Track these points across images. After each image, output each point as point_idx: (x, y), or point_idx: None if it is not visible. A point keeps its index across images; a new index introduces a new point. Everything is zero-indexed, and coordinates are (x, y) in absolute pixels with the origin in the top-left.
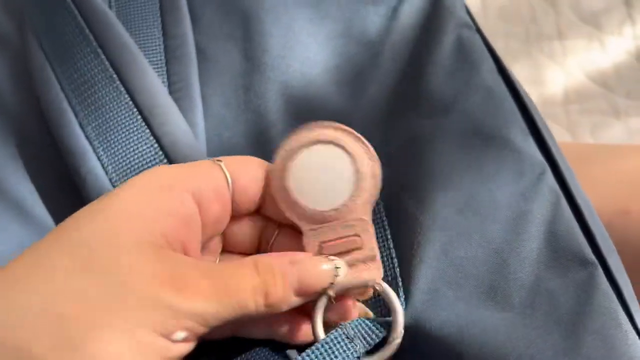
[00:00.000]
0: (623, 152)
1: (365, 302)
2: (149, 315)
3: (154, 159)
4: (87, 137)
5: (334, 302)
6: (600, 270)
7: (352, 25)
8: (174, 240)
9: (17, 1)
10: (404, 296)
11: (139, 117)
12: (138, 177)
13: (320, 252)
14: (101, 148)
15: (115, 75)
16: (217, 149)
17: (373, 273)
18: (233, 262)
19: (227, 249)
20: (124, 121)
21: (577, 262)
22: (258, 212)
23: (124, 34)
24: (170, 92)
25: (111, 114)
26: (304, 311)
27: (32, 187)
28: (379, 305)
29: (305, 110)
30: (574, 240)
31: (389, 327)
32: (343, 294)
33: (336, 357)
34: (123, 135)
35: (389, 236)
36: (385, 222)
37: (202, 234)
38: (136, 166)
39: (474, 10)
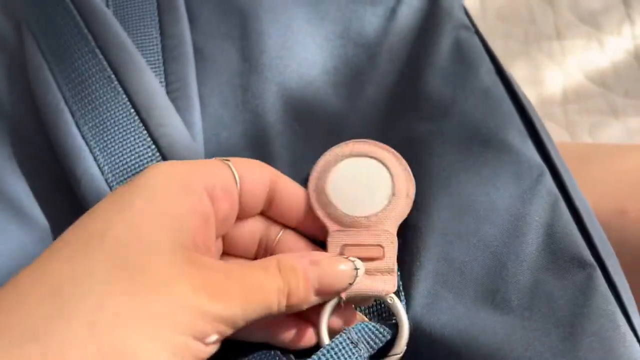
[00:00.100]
0: (621, 152)
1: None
2: (184, 319)
3: (151, 160)
4: (83, 137)
5: (342, 306)
6: (598, 272)
7: (350, 27)
8: (198, 240)
9: (15, 0)
10: (404, 300)
11: (137, 117)
12: (151, 171)
13: (341, 253)
14: (97, 148)
15: (113, 75)
16: (215, 149)
17: (388, 285)
18: (257, 263)
19: (226, 251)
20: (121, 122)
21: (576, 264)
22: (260, 215)
23: (122, 33)
24: (168, 92)
25: (108, 114)
26: (302, 316)
27: (29, 188)
28: (384, 311)
29: (303, 111)
30: (572, 243)
31: (391, 332)
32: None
33: None
34: (120, 136)
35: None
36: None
37: None
38: (133, 167)
39: (472, 10)
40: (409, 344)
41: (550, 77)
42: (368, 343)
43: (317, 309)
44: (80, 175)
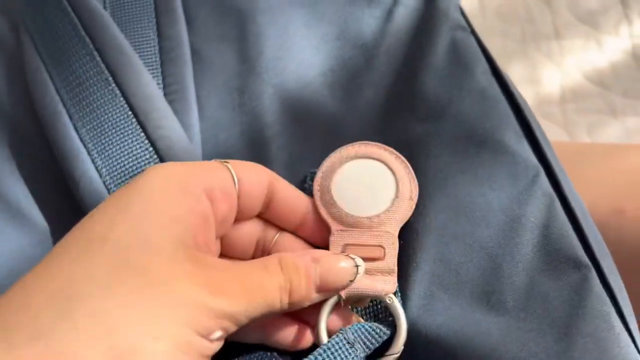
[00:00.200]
0: (619, 151)
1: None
2: (188, 315)
3: (149, 162)
4: (81, 139)
5: (343, 305)
6: (593, 273)
7: (347, 28)
8: (199, 240)
9: (12, 1)
10: (401, 301)
11: (134, 120)
12: (150, 173)
13: (343, 252)
14: (95, 151)
15: (110, 78)
16: (213, 151)
17: (388, 286)
18: (258, 261)
19: (224, 253)
20: (119, 124)
21: (571, 264)
22: (257, 217)
23: (120, 35)
24: (165, 94)
25: (106, 116)
26: (298, 318)
27: (28, 190)
28: (380, 312)
29: (300, 113)
30: (568, 243)
31: (388, 332)
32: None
33: None
34: (118, 138)
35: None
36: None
37: None
38: (130, 170)
39: (471, 10)
40: (405, 345)
41: (548, 77)
42: (364, 343)
43: (314, 310)
44: (79, 177)
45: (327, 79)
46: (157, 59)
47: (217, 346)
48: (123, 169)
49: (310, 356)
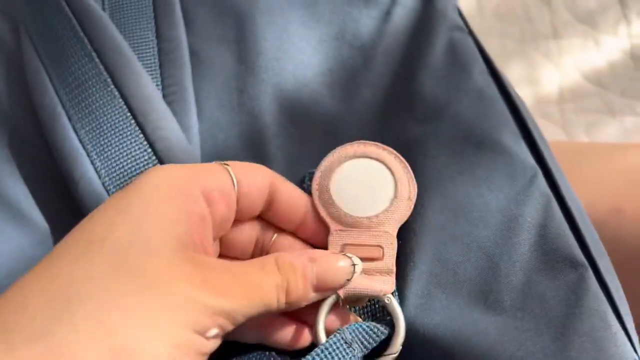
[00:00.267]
0: (618, 151)
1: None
2: (186, 315)
3: (147, 163)
4: (80, 141)
5: (341, 304)
6: (590, 272)
7: (345, 29)
8: (197, 241)
9: (11, 3)
10: (399, 301)
11: (133, 121)
12: (151, 175)
13: (341, 252)
14: (94, 152)
15: (109, 79)
16: (212, 151)
17: (386, 285)
18: (255, 260)
19: (223, 253)
20: (117, 125)
21: (568, 264)
22: (257, 218)
23: (119, 37)
24: (164, 96)
25: (105, 117)
26: (296, 317)
27: (28, 190)
28: (378, 312)
29: (299, 113)
30: (565, 243)
31: (386, 332)
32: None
33: None
34: (117, 139)
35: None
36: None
37: None
38: (129, 171)
39: (469, 10)
40: (402, 344)
41: (546, 77)
42: (362, 343)
43: (312, 309)
44: (78, 178)
45: (325, 78)
46: (156, 60)
47: (214, 344)
48: (122, 170)
49: (308, 356)
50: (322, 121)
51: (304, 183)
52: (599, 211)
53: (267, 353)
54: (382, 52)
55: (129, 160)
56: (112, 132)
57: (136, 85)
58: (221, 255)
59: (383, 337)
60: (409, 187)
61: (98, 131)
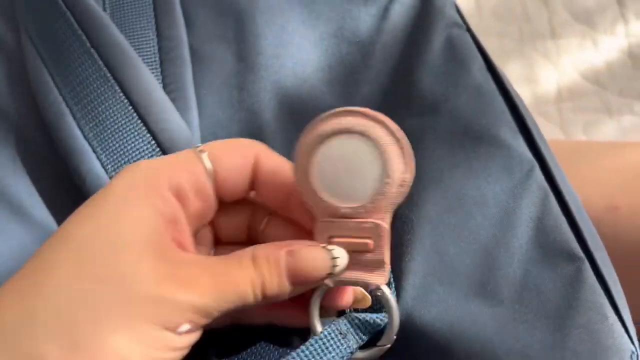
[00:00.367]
0: (614, 149)
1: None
2: (153, 312)
3: (152, 155)
4: (85, 137)
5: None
6: (587, 265)
7: (344, 26)
8: (168, 238)
9: (11, 4)
10: (395, 292)
11: (135, 115)
12: (125, 173)
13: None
14: (100, 148)
15: (109, 75)
16: None
17: (377, 278)
18: (232, 255)
19: (219, 239)
20: (120, 120)
21: (565, 257)
22: (248, 200)
23: (118, 35)
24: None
25: (107, 113)
26: (301, 297)
27: (31, 188)
28: (375, 302)
29: (298, 109)
30: (562, 236)
31: (381, 323)
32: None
33: (330, 352)
34: (120, 134)
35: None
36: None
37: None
38: None
39: (467, 9)
40: (399, 336)
41: (544, 76)
42: (357, 334)
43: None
44: (85, 175)
45: (324, 75)
46: (157, 59)
47: (189, 338)
48: (127, 163)
49: (302, 347)
50: None
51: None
52: (595, 209)
53: (271, 346)
54: (381, 48)
55: (134, 154)
56: (116, 127)
57: (137, 80)
58: (217, 242)
59: (379, 328)
60: (400, 168)
61: (102, 127)
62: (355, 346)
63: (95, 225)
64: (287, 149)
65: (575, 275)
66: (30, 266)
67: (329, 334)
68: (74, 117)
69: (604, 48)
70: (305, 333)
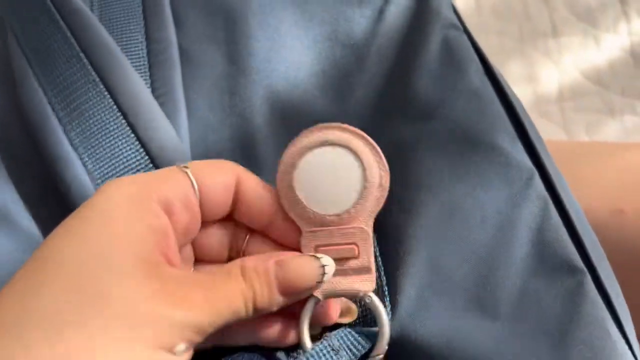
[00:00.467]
0: (618, 150)
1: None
2: (150, 333)
3: (140, 164)
4: (71, 143)
5: (342, 298)
6: (589, 278)
7: (338, 28)
8: (158, 255)
9: None
10: (390, 306)
11: (124, 121)
12: (110, 186)
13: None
14: (86, 154)
15: (98, 79)
16: (203, 153)
17: (365, 284)
18: (220, 268)
19: (198, 258)
20: (108, 126)
21: (566, 270)
22: (229, 217)
23: (107, 38)
24: (154, 97)
25: (95, 119)
26: (287, 314)
27: (16, 196)
28: (368, 317)
29: (291, 114)
30: (563, 248)
31: (374, 338)
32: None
33: None
34: (108, 141)
35: (376, 245)
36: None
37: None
38: (122, 172)
39: (467, 8)
40: (394, 351)
41: (546, 75)
42: (350, 350)
43: (300, 304)
44: (70, 182)
45: (318, 79)
46: (145, 62)
47: (184, 358)
48: (114, 171)
49: None
50: (315, 122)
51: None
52: (600, 212)
53: (256, 356)
54: (376, 51)
55: (121, 162)
56: (103, 133)
57: (126, 86)
58: (197, 260)
59: (372, 343)
60: (379, 173)
61: (89, 133)
62: None
63: (84, 241)
64: (278, 154)
65: (576, 289)
66: (17, 287)
67: (321, 350)
68: (60, 122)
69: (606, 46)
70: (290, 352)
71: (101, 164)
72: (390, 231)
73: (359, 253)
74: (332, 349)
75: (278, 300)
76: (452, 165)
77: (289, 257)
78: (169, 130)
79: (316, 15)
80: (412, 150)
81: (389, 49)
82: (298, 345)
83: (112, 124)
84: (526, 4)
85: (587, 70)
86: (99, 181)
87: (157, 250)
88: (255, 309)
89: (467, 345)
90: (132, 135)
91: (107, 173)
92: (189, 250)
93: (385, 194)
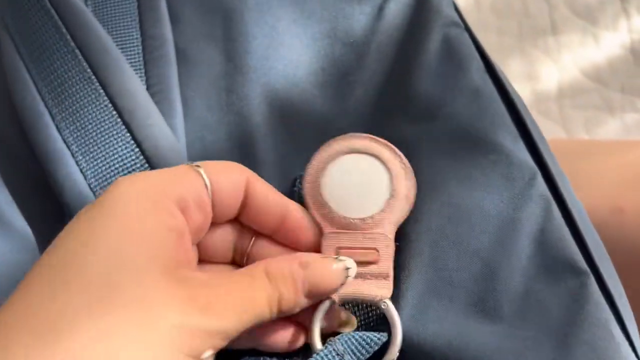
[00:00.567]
0: (618, 148)
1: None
2: (179, 340)
3: (135, 163)
4: (64, 140)
5: (335, 308)
6: (592, 279)
7: (337, 25)
8: (178, 256)
9: None
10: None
11: (119, 120)
12: (120, 188)
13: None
14: (80, 152)
15: (93, 77)
16: (200, 152)
17: (383, 290)
18: (242, 271)
19: (202, 258)
20: (103, 124)
21: (569, 271)
22: (235, 219)
23: (103, 34)
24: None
25: (90, 116)
26: (288, 319)
27: (9, 194)
28: (372, 320)
29: (289, 113)
30: (565, 249)
31: (378, 342)
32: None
33: None
34: (102, 139)
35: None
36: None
37: None
38: (116, 171)
39: (466, 5)
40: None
41: (545, 73)
42: (354, 354)
43: (304, 310)
44: (62, 180)
45: (317, 78)
46: (141, 59)
47: None
48: (108, 170)
49: None
50: (314, 121)
51: (294, 186)
52: (600, 211)
53: (261, 358)
54: (375, 49)
55: (116, 161)
56: (98, 131)
57: (122, 83)
58: (200, 261)
59: (376, 347)
60: (406, 184)
61: (83, 130)
62: None
63: (101, 244)
64: (277, 153)
65: (579, 290)
66: (38, 302)
67: (326, 355)
68: (53, 119)
69: (606, 44)
70: (288, 358)
71: (95, 162)
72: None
73: (379, 259)
74: (337, 354)
75: (303, 302)
76: (453, 165)
77: (313, 259)
78: (164, 129)
79: (315, 12)
80: (413, 150)
81: (389, 46)
82: (298, 351)
83: (106, 121)
84: (525, 2)
85: (587, 67)
86: (92, 180)
87: (177, 252)
88: (280, 311)
89: (469, 347)
90: (127, 133)
91: (101, 171)
92: (194, 251)
93: (411, 205)
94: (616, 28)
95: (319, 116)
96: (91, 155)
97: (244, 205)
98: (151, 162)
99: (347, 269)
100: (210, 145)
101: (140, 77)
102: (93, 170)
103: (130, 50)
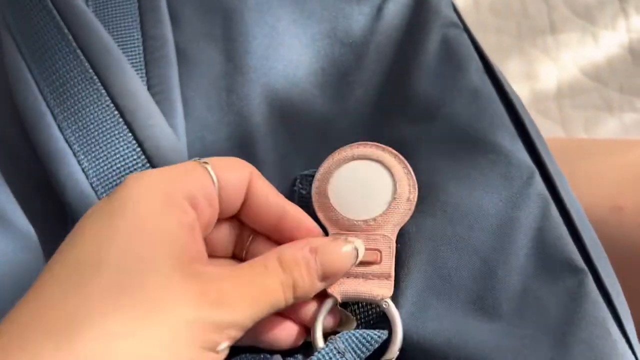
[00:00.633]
0: (617, 147)
1: (355, 308)
2: (195, 334)
3: (137, 162)
4: (66, 140)
5: (339, 307)
6: (590, 278)
7: (337, 26)
8: (191, 252)
9: None
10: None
11: (121, 120)
12: (131, 185)
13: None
14: (81, 152)
15: (95, 77)
16: (200, 152)
17: (384, 290)
18: (255, 262)
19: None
20: (105, 124)
21: (567, 269)
22: (233, 217)
23: (105, 34)
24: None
25: (92, 116)
26: (287, 316)
27: (11, 193)
28: (371, 318)
29: (289, 113)
30: (563, 247)
31: (379, 340)
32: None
33: None
34: (104, 138)
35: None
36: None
37: None
38: (118, 170)
39: (465, 5)
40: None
41: (544, 72)
42: (355, 352)
43: (303, 307)
44: (64, 179)
45: (317, 78)
46: (141, 59)
47: (224, 355)
48: (110, 169)
49: None
50: (313, 121)
51: (294, 186)
52: (599, 209)
53: (262, 355)
54: (375, 49)
55: (118, 160)
56: (99, 130)
57: (123, 84)
58: None
59: (376, 345)
60: (408, 188)
61: (85, 130)
62: None
63: (119, 248)
64: (277, 153)
65: (577, 289)
66: (55, 300)
67: (327, 353)
68: (55, 119)
69: (604, 44)
70: (288, 353)
71: (97, 161)
72: None
73: (381, 259)
74: (338, 352)
75: (318, 285)
76: (452, 165)
77: (323, 243)
78: (165, 129)
79: (315, 12)
80: (413, 150)
81: (388, 47)
82: (298, 349)
83: (108, 121)
84: (524, 2)
85: (586, 67)
86: (94, 179)
87: (189, 247)
88: (296, 297)
89: (468, 344)
90: (129, 133)
91: (103, 171)
92: (204, 245)
93: (413, 208)
94: (615, 28)
95: (318, 116)
96: (93, 155)
97: (244, 202)
98: (152, 162)
99: (357, 249)
100: (210, 145)
101: (142, 77)
102: (95, 170)
103: (132, 51)
